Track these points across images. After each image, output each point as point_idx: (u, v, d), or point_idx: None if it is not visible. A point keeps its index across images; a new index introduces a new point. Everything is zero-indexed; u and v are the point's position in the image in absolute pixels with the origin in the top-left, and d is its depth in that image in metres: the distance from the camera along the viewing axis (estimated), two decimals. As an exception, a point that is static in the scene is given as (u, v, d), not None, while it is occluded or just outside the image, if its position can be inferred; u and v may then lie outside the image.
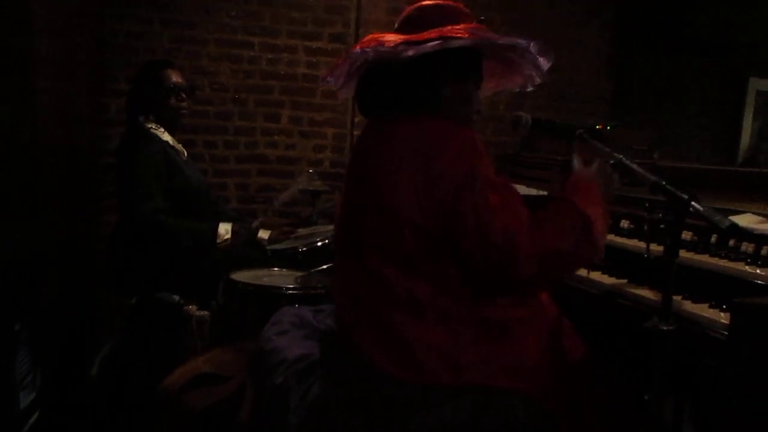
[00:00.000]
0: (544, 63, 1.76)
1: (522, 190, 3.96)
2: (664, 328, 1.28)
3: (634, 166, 1.54)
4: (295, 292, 2.42)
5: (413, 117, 1.66)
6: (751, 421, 1.38)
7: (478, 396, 1.53)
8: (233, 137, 4.07)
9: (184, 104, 2.99)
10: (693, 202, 1.32)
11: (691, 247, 1.93)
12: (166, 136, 2.95)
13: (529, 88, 1.87)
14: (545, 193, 3.53)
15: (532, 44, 1.69)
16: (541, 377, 1.61)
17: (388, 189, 1.59)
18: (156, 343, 2.77)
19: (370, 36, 1.69)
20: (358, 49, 1.67)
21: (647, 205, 1.80)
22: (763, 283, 1.60)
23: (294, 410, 1.56)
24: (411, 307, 1.58)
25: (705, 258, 1.82)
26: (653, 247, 1.84)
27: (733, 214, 1.94)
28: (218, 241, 2.78)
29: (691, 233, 1.98)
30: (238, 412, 1.75)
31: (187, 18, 3.91)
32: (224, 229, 2.81)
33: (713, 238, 1.91)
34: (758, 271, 1.65)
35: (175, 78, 2.96)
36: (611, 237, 2.21)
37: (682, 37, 4.63)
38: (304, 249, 2.81)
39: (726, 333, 1.39)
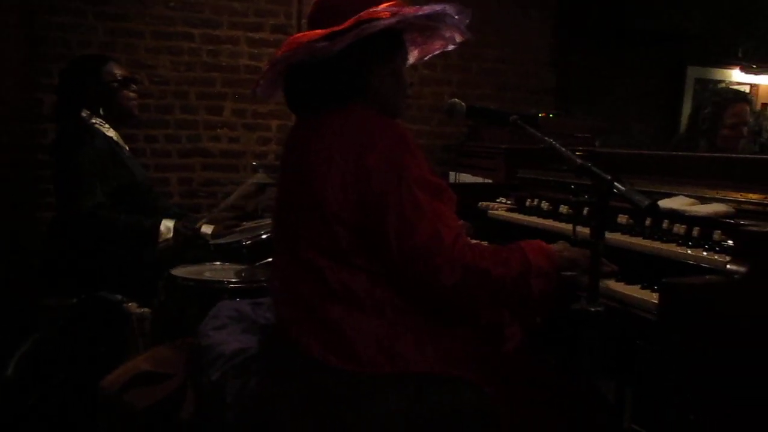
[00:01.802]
0: (462, 20, 1.74)
1: (467, 178, 4.02)
2: (592, 309, 1.30)
3: (563, 150, 1.56)
4: (237, 286, 2.38)
5: (343, 110, 1.63)
6: (683, 399, 1.41)
7: (419, 384, 1.53)
8: (174, 131, 4.00)
9: (135, 96, 2.94)
10: (615, 183, 1.34)
11: (626, 230, 1.96)
12: (111, 132, 2.89)
13: (451, 48, 1.86)
14: (490, 181, 3.57)
15: (447, 7, 1.68)
16: (480, 364, 1.61)
17: (318, 184, 1.56)
18: (97, 342, 2.71)
19: (291, 38, 1.67)
20: (280, 55, 1.65)
21: (572, 187, 1.81)
22: (693, 263, 1.63)
23: (231, 405, 1.53)
24: (347, 300, 1.57)
25: (638, 240, 1.85)
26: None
27: (666, 197, 1.99)
28: (159, 240, 2.74)
29: (626, 216, 2.01)
30: (180, 410, 1.72)
31: (121, 10, 3.82)
32: (166, 227, 2.76)
33: (648, 221, 1.95)
34: (689, 251, 1.68)
35: (121, 71, 2.92)
36: (550, 221, 2.25)
37: (622, 27, 4.71)
38: (248, 242, 2.77)
39: (656, 313, 1.41)
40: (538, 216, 2.35)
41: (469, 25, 1.72)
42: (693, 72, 5.10)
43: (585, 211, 2.11)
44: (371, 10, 1.61)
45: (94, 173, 2.69)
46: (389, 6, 1.64)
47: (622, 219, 2.01)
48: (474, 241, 1.72)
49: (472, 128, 4.26)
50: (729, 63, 5.27)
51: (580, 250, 1.66)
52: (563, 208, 2.30)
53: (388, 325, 1.56)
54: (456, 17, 1.74)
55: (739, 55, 5.22)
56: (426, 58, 1.95)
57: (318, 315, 1.58)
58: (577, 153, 3.00)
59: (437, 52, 1.91)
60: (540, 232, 2.18)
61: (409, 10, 1.64)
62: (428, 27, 1.80)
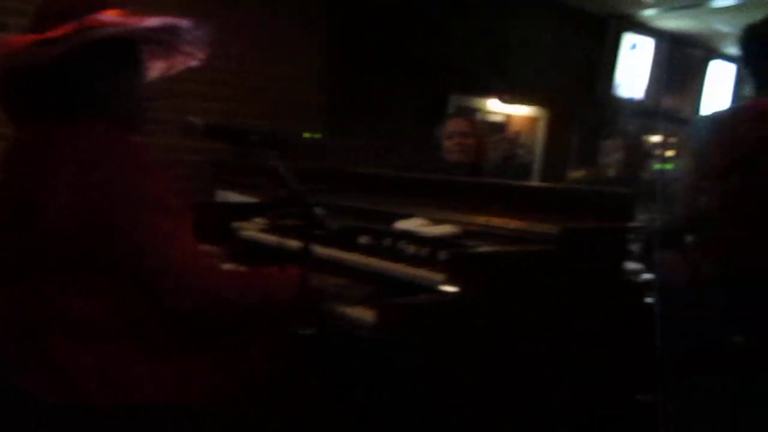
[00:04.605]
0: (200, 36, 1.71)
1: (234, 197, 3.94)
2: (303, 333, 1.30)
3: (285, 174, 1.56)
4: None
5: (71, 122, 1.52)
6: (400, 416, 1.46)
7: (151, 414, 1.46)
8: None
9: None
10: (314, 208, 1.37)
11: (366, 250, 2.02)
12: None
13: (194, 63, 1.81)
14: (255, 200, 3.53)
15: (181, 21, 1.64)
16: (223, 389, 1.57)
17: (41, 203, 1.44)
18: None
19: (2, 41, 1.55)
20: None
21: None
22: (418, 282, 1.70)
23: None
24: (68, 328, 1.46)
25: (373, 260, 1.90)
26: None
27: (403, 218, 2.08)
28: None
29: (367, 237, 2.06)
30: None
31: None
32: None
33: (387, 241, 2.02)
34: (415, 271, 1.76)
35: None
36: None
37: (390, 53, 4.92)
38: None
39: (373, 332, 1.44)
40: (287, 237, 2.34)
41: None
42: (454, 100, 5.45)
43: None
44: (94, 17, 1.52)
45: None
46: (116, 15, 1.55)
47: (364, 239, 2.07)
48: (225, 266, 1.67)
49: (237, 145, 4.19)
50: (486, 93, 5.70)
51: (333, 281, 1.69)
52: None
53: (117, 354, 1.47)
54: (193, 33, 1.69)
55: (495, 86, 5.67)
56: (172, 72, 1.88)
57: (36, 345, 1.46)
58: (335, 172, 3.08)
59: (182, 67, 1.85)
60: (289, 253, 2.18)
61: (136, 22, 1.57)
62: (165, 41, 1.73)
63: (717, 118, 2.52)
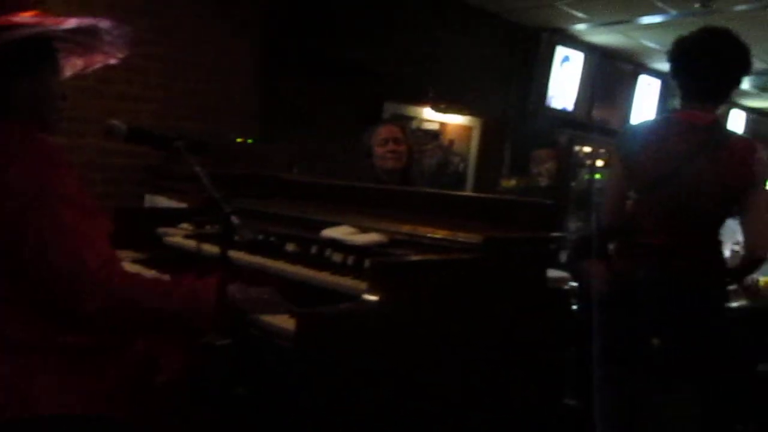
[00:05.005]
0: (120, 36, 1.68)
1: (164, 202, 3.87)
2: (218, 343, 1.28)
3: (206, 181, 1.54)
4: None
5: None
6: (319, 423, 1.45)
7: (54, 427, 1.42)
8: None
9: None
10: (232, 217, 1.36)
11: (293, 258, 2.00)
12: None
13: (113, 62, 1.77)
14: (185, 205, 3.47)
15: (99, 21, 1.61)
16: (131, 399, 1.54)
17: None
18: None
19: None
20: None
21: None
22: (342, 290, 1.70)
23: None
24: None
25: (298, 268, 1.89)
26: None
27: (331, 226, 2.07)
28: None
29: (293, 244, 2.05)
30: None
31: None
32: None
33: (314, 249, 2.01)
34: (339, 279, 1.76)
35: None
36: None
37: (324, 60, 4.91)
38: None
39: (293, 341, 1.43)
40: (212, 243, 2.31)
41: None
42: (389, 107, 5.49)
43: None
44: (8, 18, 1.48)
45: None
46: (31, 15, 1.51)
47: (291, 247, 2.06)
48: (148, 272, 1.61)
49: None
50: (420, 101, 5.75)
51: (256, 290, 1.66)
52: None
53: (22, 366, 1.43)
54: (112, 33, 1.66)
55: (430, 95, 5.73)
56: (89, 70, 1.83)
57: None
58: (267, 178, 3.05)
59: (99, 65, 1.81)
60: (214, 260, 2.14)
61: (53, 22, 1.53)
62: (80, 41, 1.69)
63: (646, 129, 2.58)
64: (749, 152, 2.42)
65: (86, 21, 1.59)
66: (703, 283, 2.46)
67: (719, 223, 2.52)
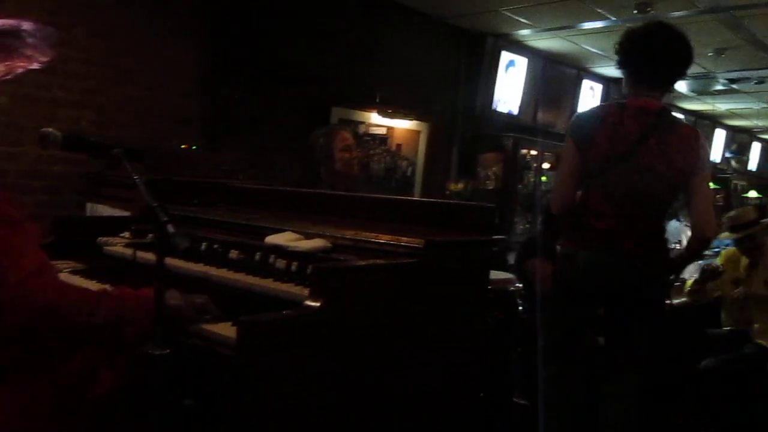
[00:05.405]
0: (44, 39, 1.63)
1: (106, 210, 3.79)
2: (157, 353, 1.26)
3: (142, 188, 1.51)
4: None
5: None
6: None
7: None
8: None
9: None
10: (168, 226, 1.35)
11: (235, 265, 1.98)
12: None
13: (36, 66, 1.70)
14: (127, 213, 3.40)
15: (22, 23, 1.57)
16: (66, 414, 1.51)
17: None
18: None
19: None
20: None
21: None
22: (285, 297, 1.69)
23: None
24: None
25: (241, 276, 1.88)
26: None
27: (275, 232, 2.06)
28: None
29: (237, 251, 2.03)
30: None
31: None
32: None
33: (257, 256, 1.99)
34: (281, 286, 1.75)
35: None
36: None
37: (270, 66, 4.87)
38: None
39: (235, 349, 1.42)
40: (152, 252, 2.27)
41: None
42: (337, 113, 5.48)
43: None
44: None
45: None
46: None
47: (234, 254, 2.04)
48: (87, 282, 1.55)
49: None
50: (368, 106, 5.76)
51: (188, 297, 1.64)
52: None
53: None
54: (36, 35, 1.61)
55: (377, 100, 5.75)
56: (10, 76, 1.77)
57: None
58: (212, 185, 3.02)
59: (22, 70, 1.75)
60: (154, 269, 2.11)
61: None
62: (3, 44, 1.64)
63: (601, 112, 2.66)
64: (695, 138, 2.55)
65: (7, 23, 1.55)
66: (649, 268, 2.54)
67: (666, 208, 2.63)
